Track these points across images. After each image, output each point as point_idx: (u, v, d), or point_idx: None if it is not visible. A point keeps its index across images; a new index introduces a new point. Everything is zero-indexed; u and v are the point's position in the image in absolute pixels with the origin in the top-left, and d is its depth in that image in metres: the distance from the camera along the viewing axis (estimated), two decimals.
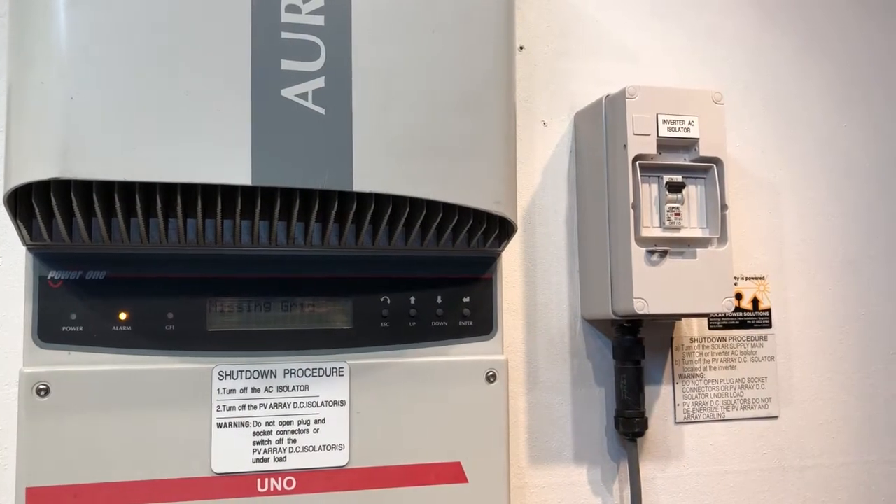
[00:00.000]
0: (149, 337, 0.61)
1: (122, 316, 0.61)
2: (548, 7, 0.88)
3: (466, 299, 0.67)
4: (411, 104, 0.58)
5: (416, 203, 0.60)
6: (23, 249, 0.60)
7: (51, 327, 0.59)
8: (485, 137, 0.61)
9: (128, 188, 0.56)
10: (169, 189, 0.57)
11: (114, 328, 0.61)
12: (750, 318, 0.92)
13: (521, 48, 0.87)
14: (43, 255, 0.60)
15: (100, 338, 0.60)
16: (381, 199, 0.59)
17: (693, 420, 0.89)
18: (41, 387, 0.58)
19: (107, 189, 0.56)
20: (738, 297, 0.91)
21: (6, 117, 0.54)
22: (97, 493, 0.57)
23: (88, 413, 0.58)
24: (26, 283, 0.60)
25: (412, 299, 0.66)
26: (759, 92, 0.95)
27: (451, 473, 0.64)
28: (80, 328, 0.60)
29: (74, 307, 0.60)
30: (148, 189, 0.56)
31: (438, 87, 0.59)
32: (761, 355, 0.91)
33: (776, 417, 0.92)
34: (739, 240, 0.92)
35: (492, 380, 0.66)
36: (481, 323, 0.68)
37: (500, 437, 0.66)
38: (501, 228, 0.65)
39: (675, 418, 0.88)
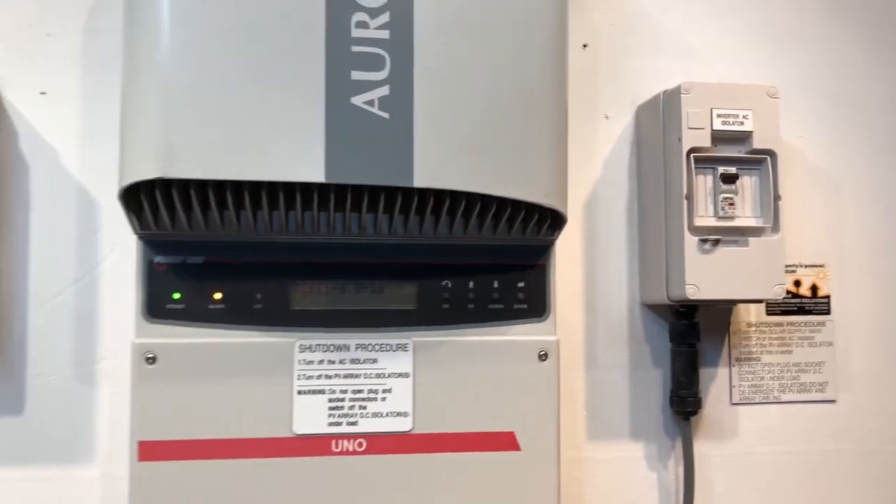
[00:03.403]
0: (240, 314, 0.70)
1: (217, 295, 0.70)
2: (611, 7, 0.93)
3: (521, 284, 0.73)
4: (467, 108, 0.64)
5: (471, 196, 0.66)
6: (134, 238, 0.69)
7: (157, 305, 0.68)
8: (535, 135, 0.66)
9: (221, 185, 0.64)
10: (255, 185, 0.65)
11: (210, 306, 0.69)
12: (808, 304, 0.94)
13: (585, 46, 0.92)
14: (151, 242, 0.69)
15: (198, 314, 0.69)
16: (440, 193, 0.65)
17: (749, 402, 0.92)
18: (149, 356, 0.67)
19: (203, 186, 0.64)
20: (797, 283, 0.94)
21: (120, 126, 0.64)
22: (195, 448, 0.66)
23: (189, 379, 0.67)
24: (137, 267, 0.69)
25: (471, 283, 0.72)
26: (821, 84, 0.96)
27: (505, 442, 0.71)
28: (182, 306, 0.69)
29: (177, 287, 0.69)
30: (238, 186, 0.65)
31: (492, 91, 0.65)
32: (819, 340, 0.94)
33: (833, 401, 0.94)
34: (800, 228, 0.94)
35: (544, 358, 0.72)
36: (535, 306, 0.73)
37: (551, 410, 0.72)
38: (553, 219, 0.70)
39: (731, 399, 0.92)
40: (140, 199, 0.64)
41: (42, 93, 0.82)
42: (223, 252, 0.69)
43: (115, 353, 0.81)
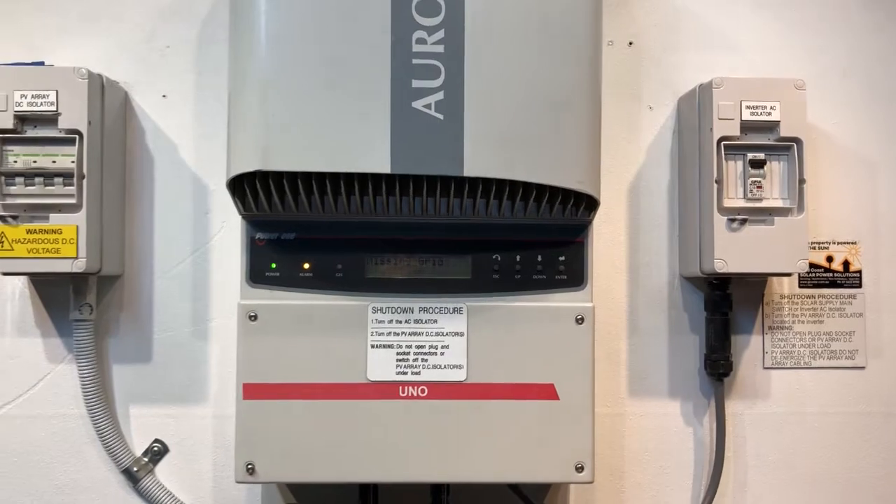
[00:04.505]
0: (324, 281, 0.83)
1: (306, 266, 0.83)
2: (655, 6, 1.02)
3: (562, 258, 0.84)
4: (510, 108, 0.76)
5: (514, 183, 0.78)
6: (239, 218, 0.83)
7: (258, 273, 0.83)
8: (570, 129, 0.78)
9: (308, 175, 0.77)
10: (336, 175, 0.78)
11: (300, 274, 0.83)
12: (840, 278, 1.02)
13: (631, 44, 1.02)
14: (252, 221, 0.83)
15: (291, 281, 0.83)
16: (487, 181, 0.77)
17: (780, 366, 1.01)
18: (251, 314, 0.82)
19: (294, 176, 0.78)
20: (829, 259, 1.02)
21: (227, 127, 0.79)
22: (288, 389, 0.81)
23: (283, 334, 0.82)
24: (241, 242, 0.83)
25: (518, 257, 0.84)
26: (857, 73, 1.03)
27: (546, 392, 0.83)
28: (278, 274, 0.83)
29: (273, 259, 0.83)
30: (322, 176, 0.78)
31: (532, 93, 0.76)
32: (850, 312, 1.02)
33: (863, 368, 1.02)
34: (834, 208, 1.02)
35: (580, 322, 0.83)
36: (574, 277, 0.84)
37: (587, 366, 0.83)
38: (588, 202, 0.81)
39: (764, 364, 1.01)
40: (244, 186, 0.78)
41: (163, 96, 0.99)
42: (311, 230, 0.83)
43: (224, 313, 0.97)
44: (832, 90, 1.03)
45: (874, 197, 1.03)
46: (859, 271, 1.02)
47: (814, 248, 1.01)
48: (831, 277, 1.02)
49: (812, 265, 1.01)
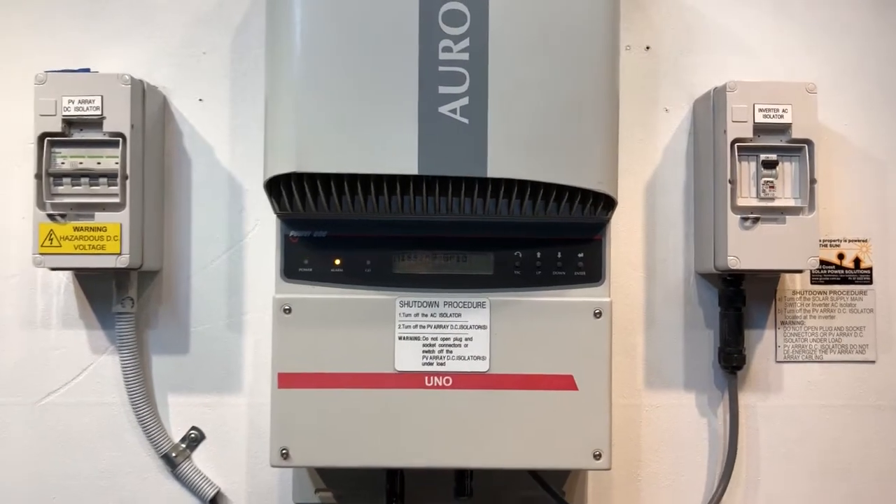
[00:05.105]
0: (354, 276, 0.88)
1: (337, 262, 0.88)
2: (671, 11, 1.05)
3: (581, 255, 0.88)
4: (532, 112, 0.80)
5: (535, 184, 0.82)
6: (273, 216, 0.88)
7: (292, 268, 0.87)
8: (589, 132, 0.82)
9: (340, 177, 0.82)
10: (366, 177, 0.82)
11: (331, 270, 0.87)
12: (851, 274, 1.05)
13: (648, 48, 1.06)
14: (287, 220, 0.87)
15: (322, 276, 0.87)
16: (509, 182, 0.81)
17: (792, 360, 1.04)
18: (286, 307, 0.87)
19: (327, 177, 0.82)
20: (841, 256, 1.05)
21: (264, 130, 0.83)
22: (320, 378, 0.85)
23: (316, 326, 0.86)
24: (276, 239, 0.88)
25: (538, 254, 0.88)
26: (867, 76, 1.06)
27: (565, 382, 0.87)
28: (310, 269, 0.87)
29: (306, 255, 0.87)
30: (353, 177, 0.82)
31: (553, 97, 0.80)
32: (861, 307, 1.05)
33: (873, 362, 1.05)
34: (845, 206, 1.05)
35: (598, 316, 0.87)
36: (592, 273, 0.88)
37: (604, 358, 0.87)
38: (606, 202, 0.85)
39: (776, 357, 1.04)
40: (279, 187, 0.83)
41: (200, 100, 1.04)
42: (342, 228, 0.88)
43: (257, 307, 1.02)
44: (844, 91, 1.06)
45: (884, 195, 1.06)
46: (870, 268, 1.05)
47: (825, 245, 1.04)
48: (842, 274, 1.05)
49: (823, 262, 1.04)
